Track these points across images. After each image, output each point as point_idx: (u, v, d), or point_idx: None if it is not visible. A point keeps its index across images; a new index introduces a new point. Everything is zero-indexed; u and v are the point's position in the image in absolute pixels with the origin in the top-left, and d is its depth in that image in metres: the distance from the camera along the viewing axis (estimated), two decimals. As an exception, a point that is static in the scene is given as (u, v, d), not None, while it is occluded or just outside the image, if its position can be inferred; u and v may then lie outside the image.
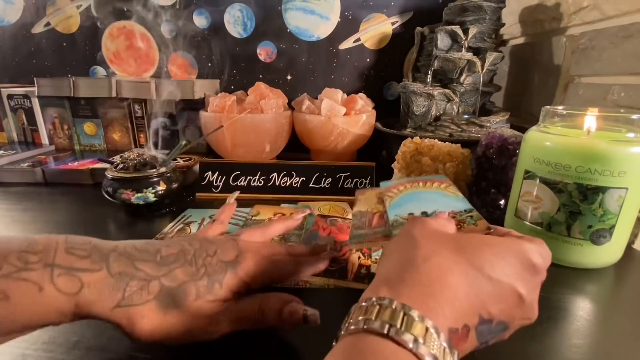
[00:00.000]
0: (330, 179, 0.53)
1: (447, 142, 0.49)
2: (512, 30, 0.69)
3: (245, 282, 0.25)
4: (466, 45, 0.58)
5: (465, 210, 0.30)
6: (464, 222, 0.29)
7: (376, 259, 0.36)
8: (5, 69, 0.81)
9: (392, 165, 0.53)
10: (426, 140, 0.49)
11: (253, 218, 0.45)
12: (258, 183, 0.53)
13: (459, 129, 0.58)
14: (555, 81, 0.56)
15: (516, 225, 0.38)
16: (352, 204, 0.50)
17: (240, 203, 0.50)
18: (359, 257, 0.36)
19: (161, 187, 0.46)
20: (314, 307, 0.29)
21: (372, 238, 0.31)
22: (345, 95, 0.67)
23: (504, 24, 0.62)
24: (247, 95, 0.66)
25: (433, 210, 0.31)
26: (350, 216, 0.46)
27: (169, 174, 0.48)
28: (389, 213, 0.33)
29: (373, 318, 0.16)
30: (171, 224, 0.43)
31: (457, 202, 0.32)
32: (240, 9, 0.74)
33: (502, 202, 0.45)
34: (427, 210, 0.31)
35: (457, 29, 0.57)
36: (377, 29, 0.73)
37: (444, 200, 0.33)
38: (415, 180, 0.38)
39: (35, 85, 0.71)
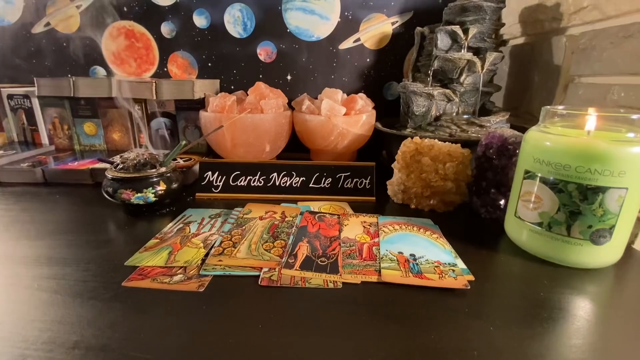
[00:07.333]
0: (330, 179, 0.53)
1: (447, 142, 0.49)
2: (512, 30, 0.69)
3: None
4: (466, 45, 0.58)
5: (449, 264, 0.35)
6: (446, 274, 0.33)
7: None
8: (5, 69, 0.81)
9: (392, 165, 0.53)
10: (426, 140, 0.49)
11: (244, 216, 0.45)
12: (258, 183, 0.53)
13: (459, 129, 0.58)
14: (555, 81, 0.56)
15: (516, 225, 0.38)
16: (351, 205, 0.50)
17: (239, 202, 0.50)
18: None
19: (161, 187, 0.46)
20: (313, 306, 0.29)
21: (364, 270, 0.34)
22: (345, 95, 0.67)
23: (504, 24, 0.62)
24: (247, 95, 0.66)
25: (421, 255, 0.36)
26: (348, 217, 0.46)
27: (169, 174, 0.48)
28: (380, 247, 0.38)
29: None
30: (171, 224, 0.43)
31: (444, 254, 0.37)
32: (240, 9, 0.74)
33: (502, 202, 0.45)
34: (416, 254, 0.36)
35: (457, 29, 0.57)
36: (377, 29, 0.73)
37: (433, 249, 0.38)
38: (410, 223, 0.44)
39: (35, 85, 0.71)
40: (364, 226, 0.43)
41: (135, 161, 0.47)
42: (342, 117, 0.62)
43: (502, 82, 0.71)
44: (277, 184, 0.53)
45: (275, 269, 0.34)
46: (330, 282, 0.32)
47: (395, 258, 0.36)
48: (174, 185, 0.48)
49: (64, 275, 0.33)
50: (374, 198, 0.52)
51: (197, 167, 0.58)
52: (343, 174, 0.53)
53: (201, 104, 0.69)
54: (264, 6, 0.73)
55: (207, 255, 0.36)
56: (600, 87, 0.47)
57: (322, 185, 0.53)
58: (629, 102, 0.42)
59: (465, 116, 0.61)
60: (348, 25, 0.73)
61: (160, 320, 0.27)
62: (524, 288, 0.32)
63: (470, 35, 0.57)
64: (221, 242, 0.38)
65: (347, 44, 0.75)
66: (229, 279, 0.32)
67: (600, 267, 0.35)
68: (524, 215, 0.37)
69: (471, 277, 0.33)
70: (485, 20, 0.58)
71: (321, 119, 0.61)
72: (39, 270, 0.33)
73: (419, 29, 0.65)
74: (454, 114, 0.61)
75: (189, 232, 0.41)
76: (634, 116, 0.32)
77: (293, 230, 0.42)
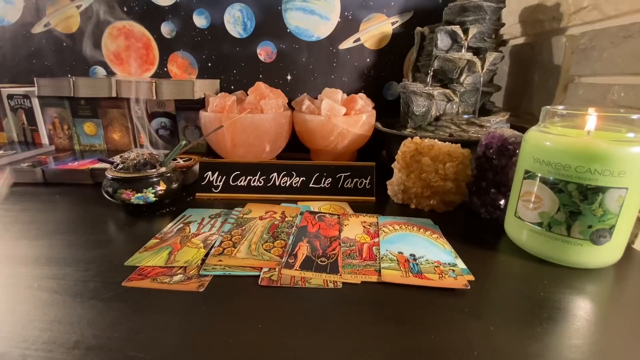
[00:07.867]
0: (330, 179, 0.53)
1: (447, 142, 0.49)
2: (512, 30, 0.69)
3: None
4: (466, 45, 0.58)
5: (449, 264, 0.35)
6: (446, 274, 0.33)
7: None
8: (5, 69, 0.81)
9: (392, 165, 0.53)
10: (426, 140, 0.49)
11: (244, 216, 0.45)
12: (258, 183, 0.53)
13: (459, 129, 0.58)
14: (555, 81, 0.56)
15: (516, 225, 0.38)
16: (351, 205, 0.50)
17: (239, 202, 0.50)
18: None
19: (161, 187, 0.46)
20: (313, 306, 0.29)
21: (364, 270, 0.34)
22: (345, 95, 0.67)
23: (504, 24, 0.62)
24: (247, 95, 0.66)
25: (421, 255, 0.36)
26: (348, 217, 0.46)
27: (169, 174, 0.48)
28: (380, 247, 0.38)
29: None
30: (171, 224, 0.43)
31: (444, 254, 0.37)
32: (240, 9, 0.74)
33: (502, 202, 0.45)
34: (416, 254, 0.36)
35: (457, 29, 0.57)
36: (377, 29, 0.73)
37: (433, 249, 0.38)
38: (410, 223, 0.44)
39: (35, 85, 0.71)
40: (364, 226, 0.43)
41: (135, 161, 0.47)
42: (342, 117, 0.62)
43: (502, 82, 0.71)
44: (277, 184, 0.53)
45: (275, 269, 0.34)
46: (330, 282, 0.32)
47: (395, 258, 0.36)
48: (174, 185, 0.48)
49: (64, 275, 0.33)
50: (374, 198, 0.52)
51: (197, 167, 0.58)
52: (343, 174, 0.53)
53: (201, 104, 0.69)
54: (264, 6, 0.73)
55: (207, 255, 0.36)
56: (600, 87, 0.47)
57: (322, 185, 0.53)
58: (629, 102, 0.42)
59: (465, 116, 0.61)
60: (348, 25, 0.73)
61: (160, 320, 0.27)
62: (524, 288, 0.32)
63: (470, 35, 0.57)
64: (221, 242, 0.38)
65: (347, 44, 0.75)
66: (229, 279, 0.32)
67: (600, 267, 0.35)
68: (524, 215, 0.37)
69: (471, 277, 0.33)
70: (485, 20, 0.58)
71: (321, 119, 0.61)
72: (39, 270, 0.33)
73: (419, 29, 0.65)
74: (454, 114, 0.61)
75: (189, 232, 0.41)
76: (634, 116, 0.32)
77: (293, 230, 0.42)
